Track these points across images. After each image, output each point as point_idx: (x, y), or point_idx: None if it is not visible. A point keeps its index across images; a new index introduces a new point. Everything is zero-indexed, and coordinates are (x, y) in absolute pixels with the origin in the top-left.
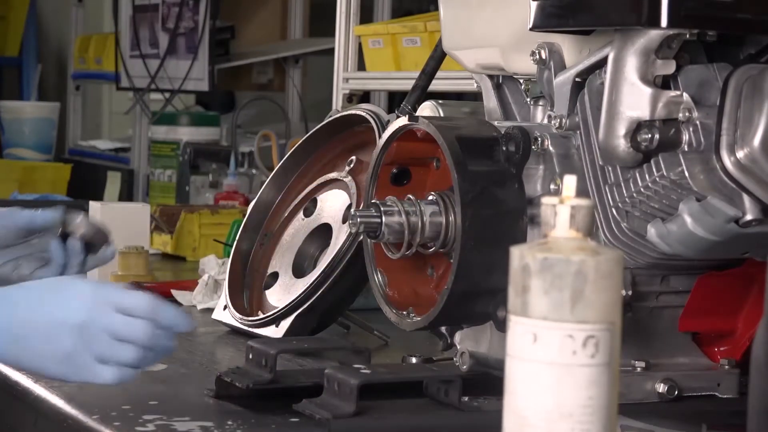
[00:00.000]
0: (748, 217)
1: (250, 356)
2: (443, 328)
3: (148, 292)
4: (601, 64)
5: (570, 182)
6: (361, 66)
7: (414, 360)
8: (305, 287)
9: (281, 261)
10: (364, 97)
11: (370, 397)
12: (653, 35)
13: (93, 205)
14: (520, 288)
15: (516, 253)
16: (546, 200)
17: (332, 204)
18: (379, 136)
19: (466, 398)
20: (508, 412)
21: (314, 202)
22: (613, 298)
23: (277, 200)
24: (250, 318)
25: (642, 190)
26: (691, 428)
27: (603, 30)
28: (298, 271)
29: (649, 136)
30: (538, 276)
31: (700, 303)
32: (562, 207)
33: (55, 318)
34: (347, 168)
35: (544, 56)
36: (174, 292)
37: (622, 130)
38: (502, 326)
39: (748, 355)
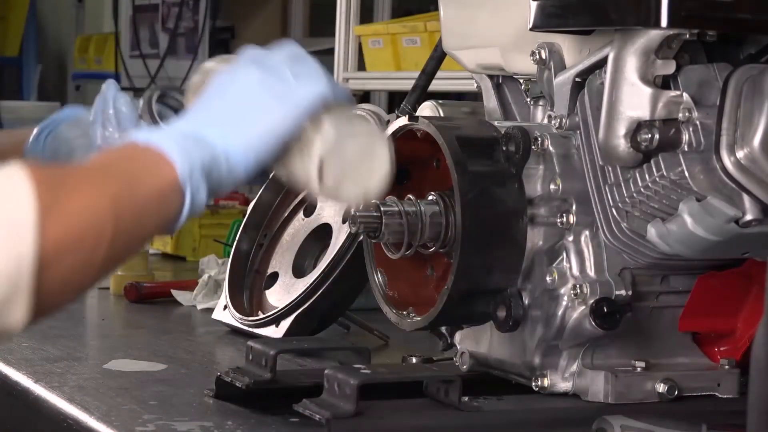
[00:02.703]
0: (748, 217)
1: (250, 356)
2: (443, 328)
3: None
4: (601, 64)
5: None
6: (361, 66)
7: (414, 360)
8: (305, 287)
9: (281, 261)
10: (364, 97)
11: (370, 397)
12: (653, 35)
13: None
14: None
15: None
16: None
17: (332, 204)
18: None
19: (466, 398)
20: None
21: (314, 202)
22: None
23: (277, 200)
24: (250, 318)
25: (642, 190)
26: (691, 428)
27: (603, 30)
28: (298, 271)
29: (649, 136)
30: None
31: (700, 303)
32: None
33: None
34: None
35: (544, 56)
36: (174, 292)
37: (622, 130)
38: (502, 326)
39: (748, 355)
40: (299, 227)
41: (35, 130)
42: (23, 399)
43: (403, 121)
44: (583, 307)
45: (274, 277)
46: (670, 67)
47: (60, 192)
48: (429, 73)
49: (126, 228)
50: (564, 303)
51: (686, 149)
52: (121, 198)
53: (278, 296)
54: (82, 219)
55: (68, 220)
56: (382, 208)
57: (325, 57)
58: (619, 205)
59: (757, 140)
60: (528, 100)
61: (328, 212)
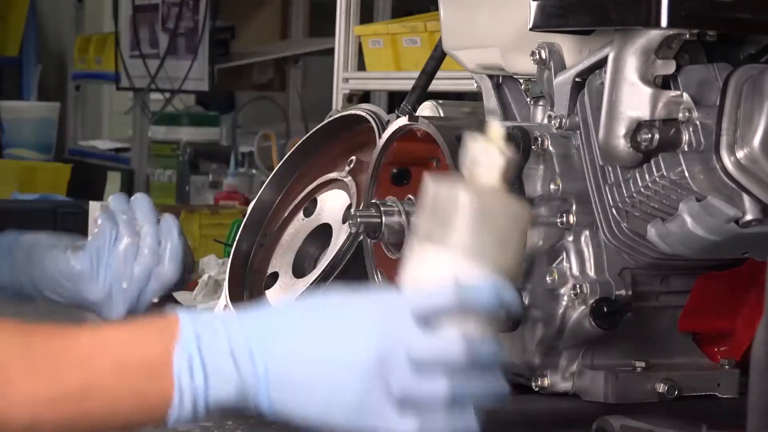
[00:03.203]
0: (748, 217)
1: None
2: None
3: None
4: (601, 64)
5: (498, 129)
6: (361, 66)
7: None
8: (305, 287)
9: (281, 261)
10: (364, 97)
11: None
12: (653, 35)
13: (92, 204)
14: (441, 220)
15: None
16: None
17: (332, 204)
18: (379, 136)
19: None
20: None
21: (314, 202)
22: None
23: (277, 200)
24: None
25: (642, 190)
26: (691, 428)
27: (603, 30)
28: (298, 271)
29: (649, 136)
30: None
31: (700, 303)
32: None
33: (338, 351)
34: (347, 168)
35: (544, 56)
36: (174, 292)
37: (622, 130)
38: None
39: (748, 355)
40: (299, 227)
41: None
42: None
43: (403, 121)
44: (583, 307)
45: (274, 277)
46: (670, 67)
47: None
48: (429, 73)
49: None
50: (564, 303)
51: (686, 149)
52: (60, 411)
53: (278, 296)
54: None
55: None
56: (382, 208)
57: (325, 57)
58: (619, 205)
59: (757, 140)
60: (528, 100)
61: (328, 212)
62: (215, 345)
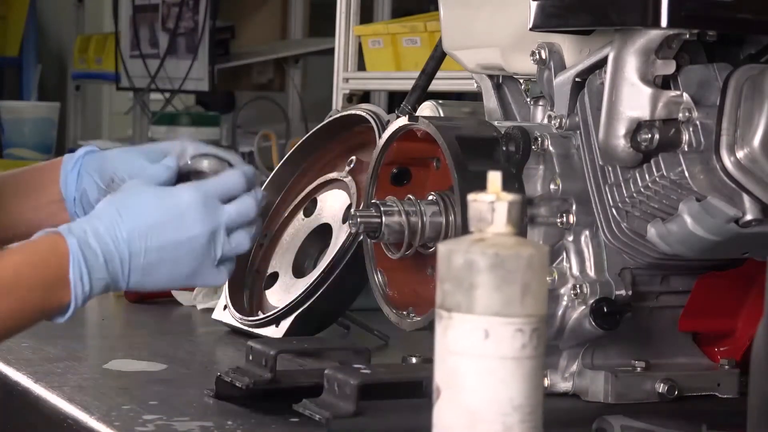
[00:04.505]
0: (748, 217)
1: (250, 356)
2: None
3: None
4: (601, 64)
5: (495, 178)
6: (361, 66)
7: (414, 360)
8: (305, 287)
9: (281, 261)
10: (364, 97)
11: (370, 397)
12: (653, 35)
13: None
14: (467, 285)
15: (454, 250)
16: (480, 197)
17: (332, 204)
18: (379, 136)
19: None
20: (455, 408)
21: (314, 202)
22: (546, 290)
23: (277, 200)
24: (250, 318)
25: (642, 190)
26: (691, 428)
27: (603, 30)
28: (298, 271)
29: (649, 136)
30: (489, 272)
31: (700, 303)
32: (499, 203)
33: (179, 240)
34: (347, 168)
35: (544, 56)
36: (174, 292)
37: (622, 130)
38: None
39: (748, 355)
40: (299, 227)
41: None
42: (23, 399)
43: (403, 121)
44: (583, 307)
45: (274, 277)
46: (670, 67)
47: None
48: (429, 73)
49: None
50: (564, 303)
51: (686, 149)
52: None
53: (278, 296)
54: None
55: None
56: (382, 208)
57: (325, 57)
58: (619, 205)
59: (757, 140)
60: (528, 100)
61: (328, 212)
62: (96, 261)
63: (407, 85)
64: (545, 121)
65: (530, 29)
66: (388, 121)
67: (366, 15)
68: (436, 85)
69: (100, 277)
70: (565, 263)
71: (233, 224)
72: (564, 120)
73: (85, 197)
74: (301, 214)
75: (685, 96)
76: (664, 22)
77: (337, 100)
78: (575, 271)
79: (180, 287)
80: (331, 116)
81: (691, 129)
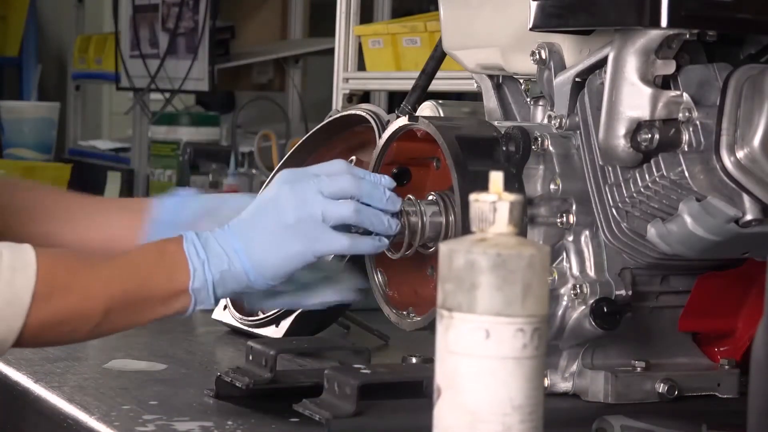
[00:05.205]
0: (748, 217)
1: (250, 356)
2: None
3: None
4: (601, 64)
5: (497, 178)
6: (361, 66)
7: (414, 360)
8: None
9: None
10: (364, 97)
11: (370, 397)
12: (653, 35)
13: None
14: (468, 285)
15: (456, 250)
16: (482, 197)
17: None
18: (379, 136)
19: None
20: (455, 408)
21: None
22: (548, 290)
23: None
24: (250, 318)
25: (642, 190)
26: (691, 428)
27: (603, 30)
28: None
29: (649, 136)
30: (491, 272)
31: (700, 303)
32: (501, 204)
33: (276, 210)
34: None
35: (544, 56)
36: None
37: (622, 130)
38: None
39: (748, 355)
40: None
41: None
42: (23, 399)
43: (403, 121)
44: (583, 307)
45: None
46: (670, 67)
47: (59, 281)
48: (429, 73)
49: (118, 317)
50: (564, 303)
51: (686, 149)
52: (123, 295)
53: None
54: (70, 307)
55: (57, 307)
56: None
57: (325, 57)
58: (619, 205)
59: (757, 140)
60: (528, 100)
61: None
62: (207, 241)
63: (407, 85)
64: (545, 121)
65: (530, 29)
66: (388, 121)
67: (366, 15)
68: (436, 85)
69: (215, 253)
70: (565, 263)
71: (326, 188)
72: (564, 120)
73: None
74: None
75: (685, 96)
76: (664, 22)
77: (337, 100)
78: (575, 271)
79: (302, 262)
80: (331, 116)
81: (691, 129)
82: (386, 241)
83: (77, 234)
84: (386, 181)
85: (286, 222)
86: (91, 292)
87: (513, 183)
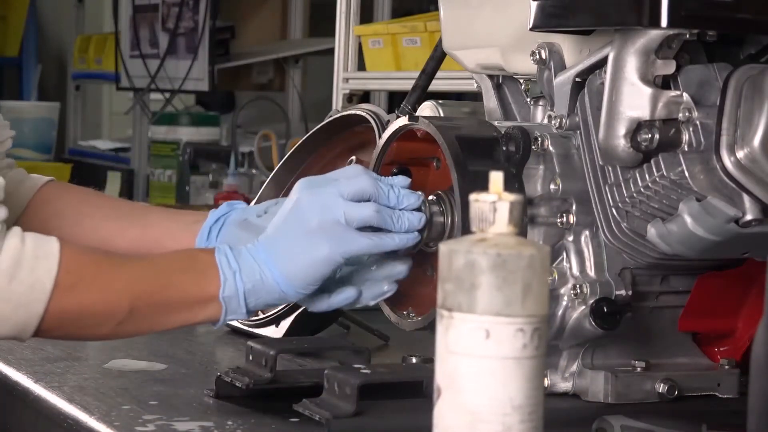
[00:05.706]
0: (748, 217)
1: (250, 356)
2: None
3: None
4: (601, 64)
5: (497, 178)
6: (361, 66)
7: (414, 360)
8: None
9: None
10: (364, 97)
11: (370, 397)
12: (653, 35)
13: None
14: (468, 285)
15: (456, 250)
16: (482, 197)
17: None
18: (379, 136)
19: None
20: (455, 408)
21: None
22: (548, 290)
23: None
24: (250, 318)
25: (642, 190)
26: (691, 428)
27: (603, 30)
28: None
29: (649, 136)
30: (491, 272)
31: (700, 303)
32: (501, 204)
33: (298, 217)
34: None
35: (544, 56)
36: None
37: (622, 130)
38: None
39: (748, 355)
40: None
41: (204, 227)
42: (23, 399)
43: (403, 121)
44: (583, 307)
45: None
46: (670, 67)
47: (83, 274)
48: (429, 73)
49: (143, 317)
50: (564, 303)
51: (686, 149)
52: (149, 295)
53: None
54: (93, 300)
55: (80, 299)
56: None
57: (325, 57)
58: (619, 205)
59: (757, 140)
60: (528, 100)
61: None
62: (238, 250)
63: (407, 85)
64: (545, 121)
65: (530, 29)
66: (388, 121)
67: (366, 15)
68: (436, 85)
69: (248, 264)
70: (565, 263)
71: (345, 190)
72: (564, 120)
73: None
74: None
75: (685, 96)
76: (664, 22)
77: (337, 100)
78: (575, 271)
79: (330, 266)
80: (331, 116)
81: (691, 129)
82: (414, 235)
83: (128, 239)
84: (399, 180)
85: (309, 227)
86: (116, 288)
87: (513, 183)
